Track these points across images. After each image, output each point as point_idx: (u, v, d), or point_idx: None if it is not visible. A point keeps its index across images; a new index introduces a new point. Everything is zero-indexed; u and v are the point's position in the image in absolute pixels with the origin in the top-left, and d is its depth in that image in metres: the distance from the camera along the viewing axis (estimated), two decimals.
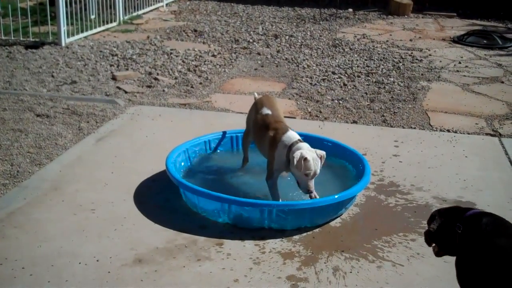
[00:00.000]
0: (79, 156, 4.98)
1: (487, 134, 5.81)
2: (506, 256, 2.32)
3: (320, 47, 9.04)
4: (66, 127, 5.60)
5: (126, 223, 3.95)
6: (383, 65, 8.14)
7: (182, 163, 4.64)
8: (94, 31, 9.42)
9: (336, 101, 6.63)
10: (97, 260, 3.52)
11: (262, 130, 4.27)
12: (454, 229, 2.54)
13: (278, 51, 8.78)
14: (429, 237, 2.73)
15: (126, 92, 6.71)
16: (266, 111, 4.38)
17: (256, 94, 4.77)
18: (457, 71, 8.07)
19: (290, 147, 3.99)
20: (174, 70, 7.60)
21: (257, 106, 4.50)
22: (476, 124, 6.07)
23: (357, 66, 8.03)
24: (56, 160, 4.89)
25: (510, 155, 5.25)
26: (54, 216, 4.01)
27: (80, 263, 3.49)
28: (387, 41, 9.64)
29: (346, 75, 7.63)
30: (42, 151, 5.05)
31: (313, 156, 3.90)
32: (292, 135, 4.07)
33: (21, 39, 8.78)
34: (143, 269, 3.45)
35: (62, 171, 4.70)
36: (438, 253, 2.73)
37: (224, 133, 5.05)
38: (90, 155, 5.03)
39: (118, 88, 6.86)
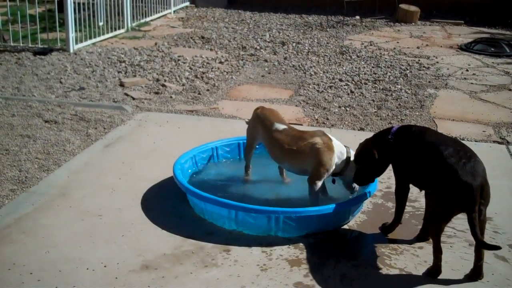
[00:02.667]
0: (86, 162, 5.00)
1: (494, 141, 5.79)
2: (425, 145, 3.56)
3: (327, 54, 9.06)
4: (74, 133, 5.63)
5: (133, 229, 3.96)
6: (390, 72, 8.14)
7: (189, 170, 4.65)
8: (102, 37, 9.48)
9: (343, 108, 6.63)
10: (105, 266, 3.52)
11: (291, 143, 4.22)
12: (386, 141, 3.76)
13: (285, 58, 8.80)
14: (367, 172, 3.93)
15: (133, 99, 6.74)
16: (281, 126, 4.36)
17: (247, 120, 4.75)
18: (465, 78, 8.06)
19: (348, 154, 4.17)
20: (182, 77, 7.62)
21: (265, 123, 4.43)
22: (484, 131, 6.05)
23: (364, 74, 8.03)
24: (64, 166, 4.91)
25: None
26: (62, 222, 4.02)
27: (87, 268, 3.49)
28: (394, 48, 9.64)
29: (353, 82, 7.63)
30: (50, 157, 5.07)
31: None
32: (339, 142, 4.22)
33: (30, 45, 8.84)
34: (150, 275, 3.46)
35: (70, 177, 4.72)
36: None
37: (231, 140, 5.05)
38: (98, 161, 5.05)
39: (126, 94, 6.89)
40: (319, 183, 4.14)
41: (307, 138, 4.20)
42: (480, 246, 3.36)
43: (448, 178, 3.33)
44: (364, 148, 3.92)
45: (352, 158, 4.11)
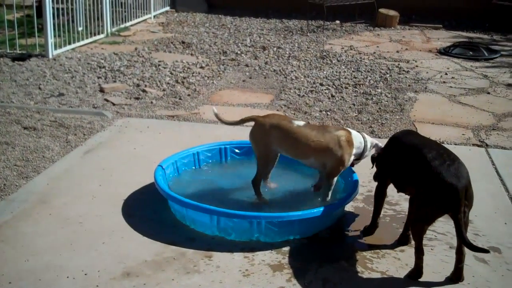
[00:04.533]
0: (66, 169, 4.96)
1: (474, 144, 5.85)
2: (406, 147, 3.69)
3: (307, 59, 9.09)
4: (54, 139, 5.57)
5: (114, 236, 3.93)
6: (370, 76, 8.19)
7: (171, 176, 4.63)
8: (82, 43, 9.41)
9: (324, 112, 6.65)
10: (85, 274, 3.49)
11: (319, 136, 4.24)
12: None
13: (266, 63, 8.81)
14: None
15: (114, 104, 6.70)
16: (301, 122, 4.38)
17: (215, 109, 4.61)
18: (444, 82, 8.14)
19: (366, 140, 4.33)
20: (162, 82, 7.60)
21: (281, 125, 4.30)
22: (463, 134, 6.11)
23: (345, 78, 8.07)
24: (43, 173, 4.86)
25: (496, 166, 5.30)
26: (42, 229, 3.98)
27: (68, 277, 3.46)
28: (374, 52, 9.70)
29: (334, 86, 7.67)
30: (29, 164, 5.02)
31: None
32: (356, 133, 4.36)
33: (8, 51, 8.74)
34: (131, 282, 3.43)
35: (49, 184, 4.67)
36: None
37: (213, 144, 5.04)
38: (78, 167, 5.00)
39: (106, 100, 6.84)
40: (335, 179, 4.28)
41: (332, 131, 4.30)
42: (468, 248, 3.36)
43: (433, 180, 3.37)
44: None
45: (369, 144, 4.31)
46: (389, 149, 3.87)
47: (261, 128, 4.38)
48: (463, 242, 3.35)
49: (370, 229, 4.05)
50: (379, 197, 4.00)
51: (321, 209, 3.93)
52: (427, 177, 3.41)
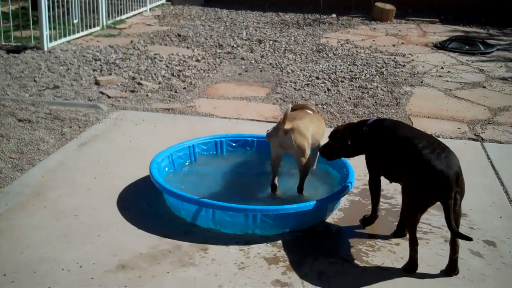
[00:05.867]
0: (61, 162, 4.94)
1: (469, 138, 5.86)
2: (398, 138, 3.68)
3: (304, 52, 9.07)
4: (49, 132, 5.55)
5: (109, 228, 3.92)
6: (366, 70, 8.18)
7: (166, 168, 4.62)
8: (77, 35, 9.37)
9: (320, 106, 6.65)
10: (80, 266, 3.48)
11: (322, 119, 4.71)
12: (361, 132, 3.90)
13: (262, 56, 8.79)
14: (332, 148, 4.12)
15: (109, 97, 6.67)
16: (308, 111, 4.54)
17: (269, 129, 4.32)
18: (440, 76, 8.14)
19: None
20: (158, 75, 7.57)
21: (312, 117, 4.42)
22: (459, 128, 6.12)
23: (341, 71, 8.06)
24: (38, 166, 4.84)
25: (492, 160, 5.31)
26: (36, 222, 3.96)
27: (63, 269, 3.45)
28: (370, 46, 9.69)
29: (330, 80, 7.66)
30: (24, 156, 5.00)
31: None
32: None
33: (3, 43, 8.69)
34: (126, 275, 3.42)
35: (44, 176, 4.66)
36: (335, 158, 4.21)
37: (208, 138, 5.03)
38: (73, 160, 4.99)
39: (101, 93, 6.82)
40: None
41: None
42: (453, 234, 3.42)
43: (424, 167, 3.41)
44: (342, 132, 4.05)
45: None
46: (379, 139, 3.84)
47: (304, 131, 4.23)
48: (448, 227, 3.37)
49: (370, 219, 4.08)
50: (374, 187, 4.01)
51: (317, 202, 3.93)
52: (418, 165, 3.45)
